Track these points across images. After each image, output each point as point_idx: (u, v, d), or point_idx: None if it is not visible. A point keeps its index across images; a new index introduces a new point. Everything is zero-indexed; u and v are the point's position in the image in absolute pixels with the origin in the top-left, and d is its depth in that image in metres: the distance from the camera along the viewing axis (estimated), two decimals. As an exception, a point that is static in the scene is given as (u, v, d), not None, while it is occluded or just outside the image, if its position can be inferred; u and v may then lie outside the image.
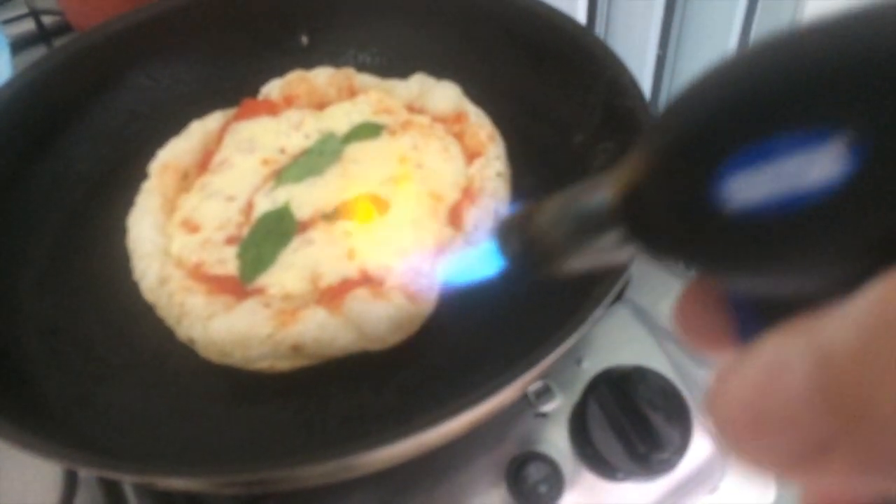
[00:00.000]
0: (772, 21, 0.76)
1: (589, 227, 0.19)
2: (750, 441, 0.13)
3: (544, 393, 0.47)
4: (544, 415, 0.47)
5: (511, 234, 0.23)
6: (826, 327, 0.12)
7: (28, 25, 0.80)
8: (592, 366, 0.48)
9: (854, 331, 0.11)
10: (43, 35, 0.79)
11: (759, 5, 0.75)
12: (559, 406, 0.47)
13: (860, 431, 0.11)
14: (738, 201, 0.14)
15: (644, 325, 0.51)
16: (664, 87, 0.83)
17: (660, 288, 0.53)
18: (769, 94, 0.14)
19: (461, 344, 0.45)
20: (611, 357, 0.48)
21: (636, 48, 0.77)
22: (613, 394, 0.44)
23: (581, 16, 0.77)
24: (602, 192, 0.19)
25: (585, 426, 0.44)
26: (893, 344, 0.11)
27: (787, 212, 0.13)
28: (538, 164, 0.53)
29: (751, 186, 0.13)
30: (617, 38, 0.51)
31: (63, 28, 0.79)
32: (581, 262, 0.20)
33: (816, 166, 0.12)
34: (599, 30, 0.79)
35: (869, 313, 0.11)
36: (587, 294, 0.42)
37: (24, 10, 0.80)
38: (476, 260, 0.28)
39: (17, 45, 0.74)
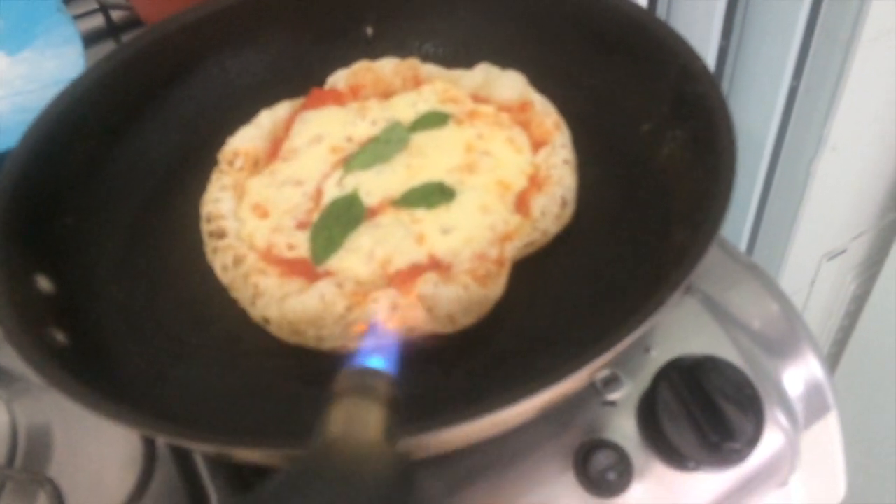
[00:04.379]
0: (837, 14, 0.74)
1: None
2: None
3: (612, 381, 0.47)
4: (612, 403, 0.46)
5: None
6: None
7: (97, 20, 0.82)
8: (661, 354, 0.47)
9: None
10: (112, 29, 0.81)
11: (826, -4, 0.73)
12: (627, 394, 0.46)
13: None
14: None
15: (712, 314, 0.50)
16: (726, 78, 0.81)
17: (728, 277, 0.53)
18: None
19: (531, 328, 0.45)
20: (679, 346, 0.48)
21: (698, 39, 0.76)
22: (685, 382, 0.44)
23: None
24: None
25: (655, 414, 0.44)
26: None
27: None
28: (605, 152, 0.53)
29: None
30: (678, 28, 0.50)
31: (131, 23, 0.81)
32: None
33: None
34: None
35: None
36: (660, 280, 0.41)
37: (92, 5, 0.83)
38: None
39: (86, 40, 0.76)
